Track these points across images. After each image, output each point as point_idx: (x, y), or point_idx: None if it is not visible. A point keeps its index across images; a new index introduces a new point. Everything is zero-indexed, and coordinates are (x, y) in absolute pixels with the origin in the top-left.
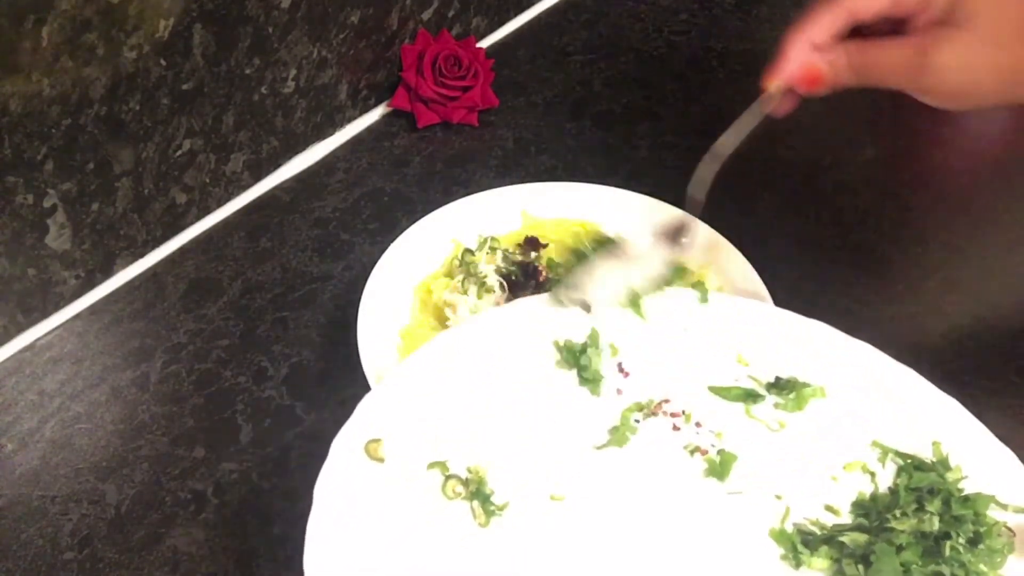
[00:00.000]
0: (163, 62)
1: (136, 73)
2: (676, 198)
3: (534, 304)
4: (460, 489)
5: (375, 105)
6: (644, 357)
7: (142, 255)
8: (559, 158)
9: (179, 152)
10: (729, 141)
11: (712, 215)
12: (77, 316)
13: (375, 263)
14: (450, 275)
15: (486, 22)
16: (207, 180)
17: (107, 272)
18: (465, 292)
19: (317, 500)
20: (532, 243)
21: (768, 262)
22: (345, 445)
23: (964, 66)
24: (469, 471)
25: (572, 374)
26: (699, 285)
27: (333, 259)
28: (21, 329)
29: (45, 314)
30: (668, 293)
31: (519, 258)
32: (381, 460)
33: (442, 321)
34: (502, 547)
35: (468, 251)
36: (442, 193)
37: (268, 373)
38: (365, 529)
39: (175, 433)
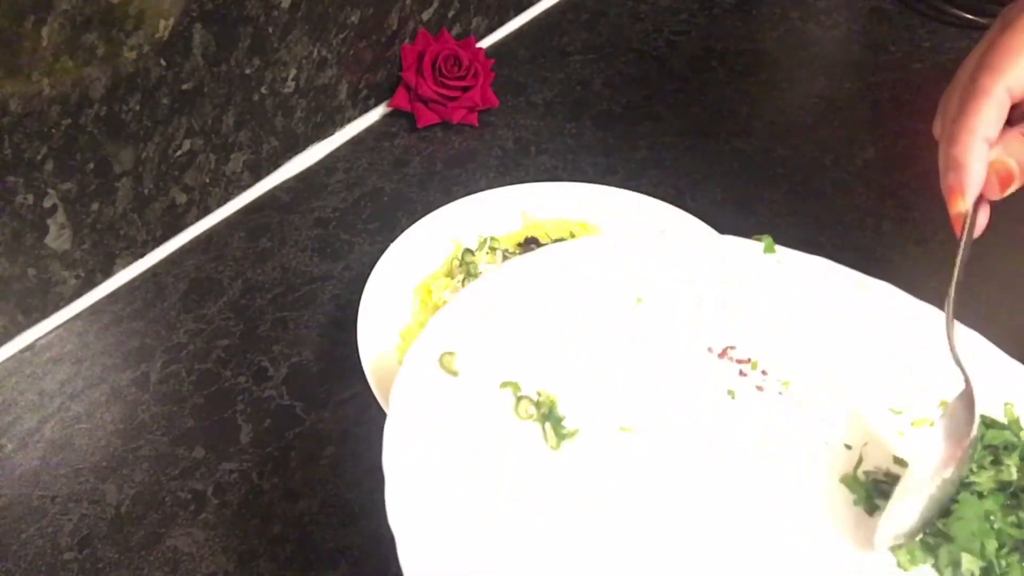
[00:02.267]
0: (163, 62)
1: (136, 73)
2: (676, 198)
3: (618, 240)
4: (532, 411)
5: (375, 105)
6: (718, 301)
7: (142, 255)
8: (559, 158)
9: (179, 152)
10: (952, 292)
11: (712, 215)
12: (77, 316)
13: (375, 263)
14: (450, 275)
15: (486, 22)
16: (207, 180)
17: (107, 272)
18: None
19: (393, 405)
20: (532, 243)
21: None
22: (421, 354)
23: None
24: (540, 395)
25: (644, 309)
26: (765, 238)
27: (333, 259)
28: (21, 329)
29: (45, 314)
30: (735, 243)
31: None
32: (455, 373)
33: None
34: (571, 471)
35: (468, 251)
36: (442, 193)
37: (268, 373)
38: (439, 438)
39: (175, 433)
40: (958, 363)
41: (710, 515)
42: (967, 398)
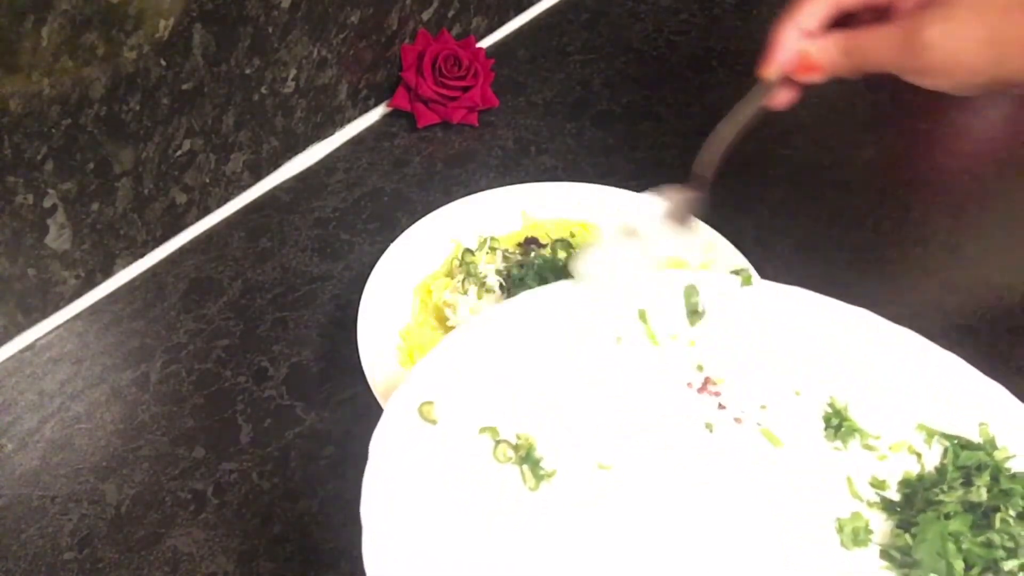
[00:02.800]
0: (163, 62)
1: (136, 73)
2: None
3: (596, 283)
4: (511, 454)
5: (375, 105)
6: (690, 337)
7: (142, 255)
8: (559, 158)
9: (179, 152)
10: (728, 127)
11: (712, 215)
12: (77, 316)
13: (375, 263)
14: (450, 275)
15: (486, 22)
16: (207, 180)
17: (107, 272)
18: (465, 292)
19: (372, 455)
20: (532, 243)
21: (768, 262)
22: (400, 405)
23: (951, 41)
24: (518, 438)
25: (624, 348)
26: (743, 272)
27: (333, 259)
28: (21, 329)
29: (45, 314)
30: (713, 278)
31: (519, 258)
32: (434, 422)
33: (442, 321)
34: (551, 510)
35: (468, 251)
36: (442, 193)
37: (268, 373)
38: (417, 486)
39: (175, 433)
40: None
41: (691, 548)
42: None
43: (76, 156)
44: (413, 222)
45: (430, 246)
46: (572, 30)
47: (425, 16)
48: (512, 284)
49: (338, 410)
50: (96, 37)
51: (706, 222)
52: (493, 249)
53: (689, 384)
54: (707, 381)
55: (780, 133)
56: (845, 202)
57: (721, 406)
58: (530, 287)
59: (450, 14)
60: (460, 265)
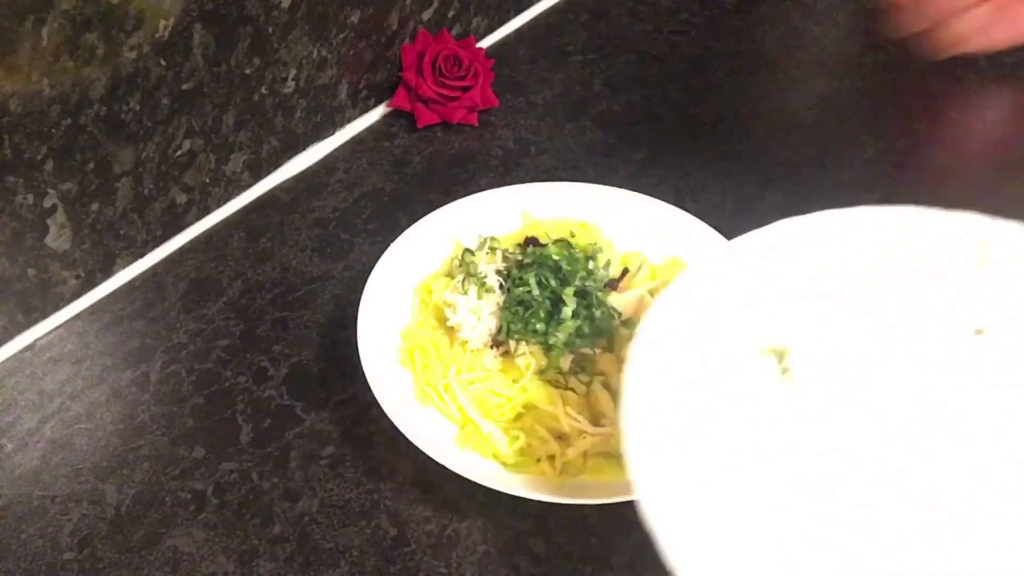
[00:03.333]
0: (163, 62)
1: (136, 73)
2: (676, 198)
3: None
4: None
5: (375, 105)
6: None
7: (142, 255)
8: (559, 158)
9: (179, 152)
10: None
11: (712, 215)
12: (77, 316)
13: (375, 263)
14: (450, 275)
15: (486, 22)
16: (207, 180)
17: (107, 272)
18: (465, 292)
19: (642, 333)
20: (532, 243)
21: None
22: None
23: None
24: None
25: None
26: None
27: (333, 259)
28: (21, 329)
29: (45, 314)
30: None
31: (519, 258)
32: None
33: (442, 321)
34: (802, 401)
35: (468, 251)
36: (442, 193)
37: (268, 373)
38: (679, 364)
39: (175, 433)
40: None
41: (944, 461)
42: None
43: (76, 156)
44: (413, 222)
45: (430, 246)
46: (572, 30)
47: (425, 16)
48: (512, 283)
49: (338, 410)
50: (96, 37)
51: (707, 222)
52: (493, 249)
53: (964, 329)
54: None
55: (780, 133)
56: (845, 202)
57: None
58: (530, 286)
59: (450, 14)
60: (460, 265)
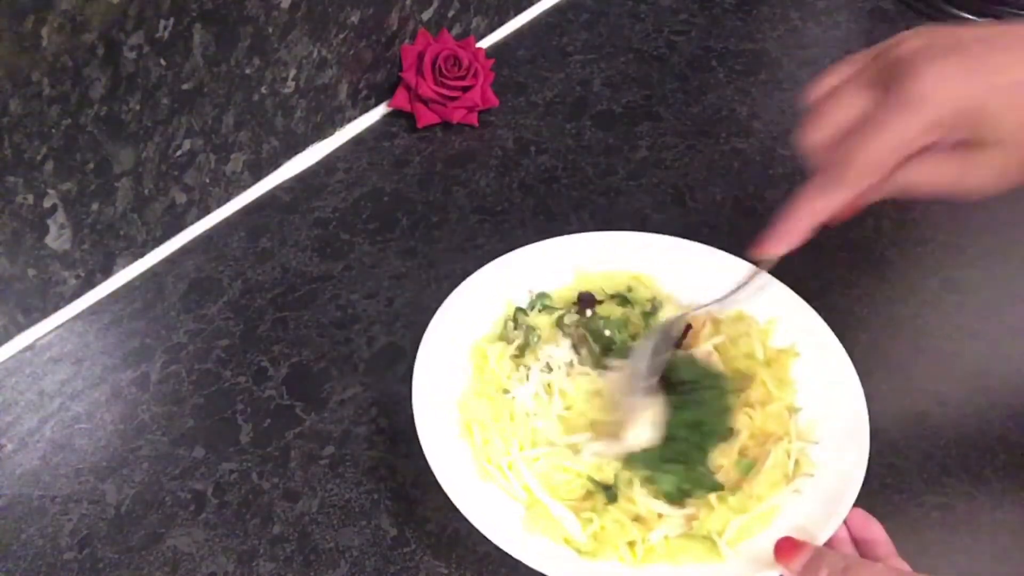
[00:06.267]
0: (163, 62)
1: (136, 73)
2: (676, 198)
3: None
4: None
5: (375, 105)
6: None
7: (142, 255)
8: (559, 158)
9: (179, 152)
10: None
11: (712, 215)
12: (77, 316)
13: (375, 263)
14: (504, 339)
15: (486, 22)
16: (207, 180)
17: (107, 272)
18: (527, 370)
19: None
20: (587, 300)
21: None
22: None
23: (1000, 177)
24: None
25: None
26: None
27: (333, 259)
28: (21, 329)
29: (45, 314)
30: None
31: (576, 318)
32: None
33: (500, 389)
34: None
35: (521, 310)
36: (442, 193)
37: (268, 373)
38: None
39: (175, 433)
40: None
41: None
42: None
43: (76, 156)
44: (413, 222)
45: (480, 306)
46: (572, 30)
47: (425, 16)
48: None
49: (338, 410)
50: (96, 37)
51: (706, 222)
52: (546, 307)
53: None
54: None
55: (780, 133)
56: None
57: None
58: (620, 350)
59: (450, 14)
60: (516, 328)
